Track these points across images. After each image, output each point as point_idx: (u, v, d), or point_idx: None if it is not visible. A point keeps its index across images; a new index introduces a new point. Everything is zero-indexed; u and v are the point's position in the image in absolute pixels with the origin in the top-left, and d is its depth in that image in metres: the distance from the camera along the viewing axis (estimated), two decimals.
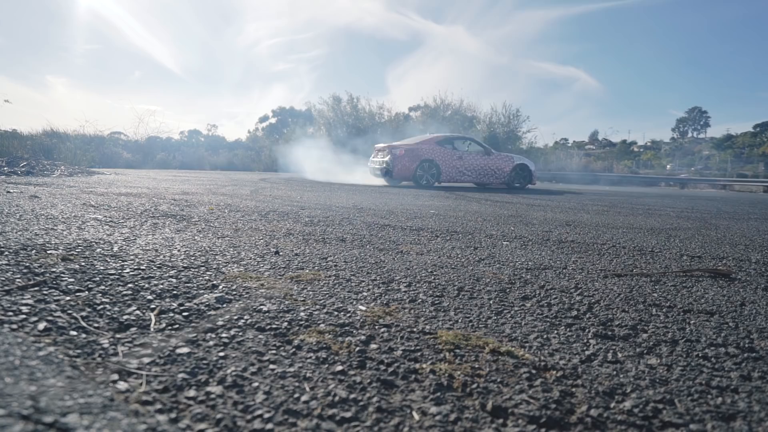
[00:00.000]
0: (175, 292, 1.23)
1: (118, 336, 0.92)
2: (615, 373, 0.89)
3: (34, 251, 1.55)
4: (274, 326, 1.02)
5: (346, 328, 1.04)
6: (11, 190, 3.97)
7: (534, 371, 0.87)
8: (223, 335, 0.95)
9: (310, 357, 0.88)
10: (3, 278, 1.21)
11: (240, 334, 0.97)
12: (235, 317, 1.06)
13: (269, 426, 0.65)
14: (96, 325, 0.97)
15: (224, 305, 1.14)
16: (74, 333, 0.91)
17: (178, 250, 1.76)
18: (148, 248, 1.76)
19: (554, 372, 0.87)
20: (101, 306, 1.07)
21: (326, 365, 0.85)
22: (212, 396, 0.71)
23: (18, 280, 1.21)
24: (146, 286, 1.26)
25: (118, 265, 1.45)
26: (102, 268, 1.40)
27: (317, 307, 1.17)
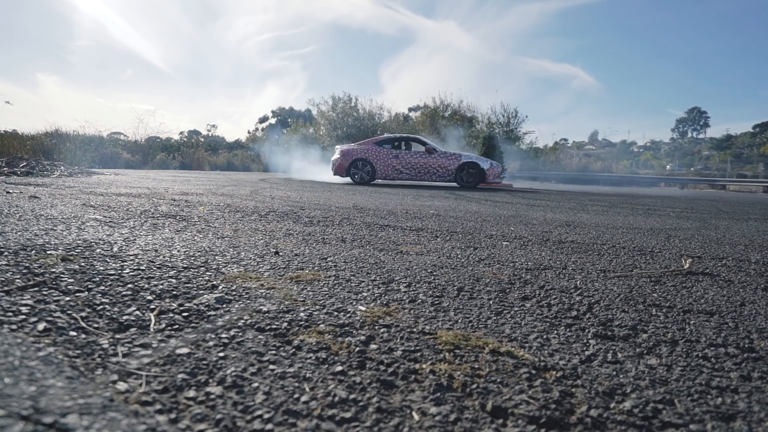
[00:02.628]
0: (174, 292, 1.22)
1: (117, 336, 0.92)
2: (615, 373, 0.88)
3: (33, 252, 1.55)
4: (273, 326, 1.02)
5: (346, 328, 1.04)
6: (11, 191, 3.96)
7: (534, 371, 0.87)
8: (223, 335, 0.95)
9: (310, 357, 0.88)
10: (3, 278, 1.21)
11: (240, 334, 0.97)
12: (235, 317, 1.06)
13: (269, 426, 0.65)
14: (96, 325, 0.96)
15: (224, 305, 1.14)
16: (74, 333, 0.91)
17: (178, 251, 1.76)
18: (147, 249, 1.76)
19: (554, 372, 0.87)
20: (101, 306, 1.07)
21: (326, 365, 0.85)
22: (212, 396, 0.71)
23: (18, 280, 1.21)
24: (146, 286, 1.26)
25: (117, 265, 1.45)
26: (102, 268, 1.40)
27: (317, 307, 1.17)
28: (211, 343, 0.91)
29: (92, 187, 5.07)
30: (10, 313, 0.97)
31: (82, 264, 1.43)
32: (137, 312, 1.05)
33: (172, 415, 0.66)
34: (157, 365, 0.80)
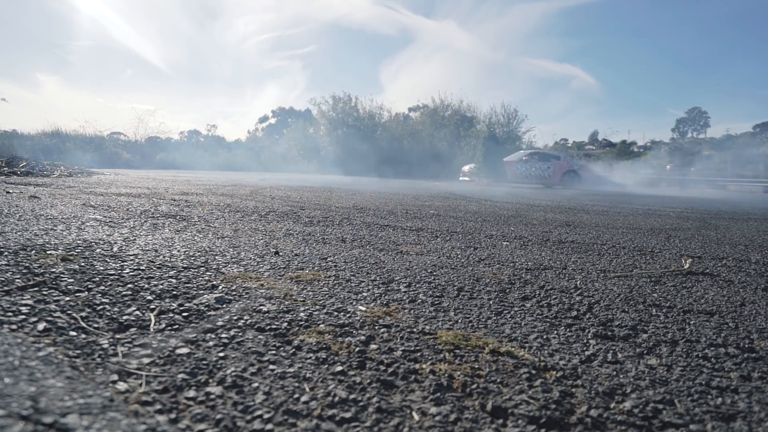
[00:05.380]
0: (174, 292, 1.22)
1: (117, 336, 0.92)
2: (615, 373, 0.88)
3: (33, 251, 1.55)
4: (273, 326, 1.02)
5: (346, 328, 1.04)
6: (11, 191, 3.96)
7: (534, 371, 0.87)
8: (223, 335, 0.95)
9: (310, 357, 0.88)
10: (3, 278, 1.21)
11: (240, 334, 0.97)
12: (235, 317, 1.06)
13: (269, 426, 0.65)
14: (96, 325, 0.96)
15: (224, 305, 1.14)
16: (74, 333, 0.91)
17: (178, 251, 1.76)
18: (147, 248, 1.76)
19: (554, 372, 0.87)
20: (101, 306, 1.07)
21: (326, 365, 0.85)
22: (212, 396, 0.71)
23: (18, 280, 1.21)
24: (146, 286, 1.26)
25: (117, 265, 1.45)
26: (102, 268, 1.40)
27: (317, 307, 1.17)
28: (211, 343, 0.91)
29: (92, 187, 5.07)
30: (10, 313, 0.97)
31: (82, 264, 1.43)
32: (137, 312, 1.05)
33: (172, 415, 0.66)
34: (157, 365, 0.80)
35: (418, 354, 0.92)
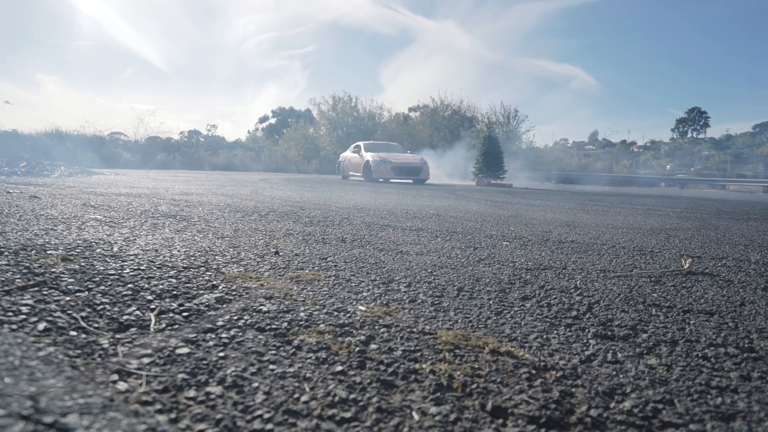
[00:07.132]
0: (175, 292, 1.23)
1: (117, 336, 0.92)
2: (615, 373, 0.89)
3: (34, 251, 1.55)
4: (273, 326, 1.02)
5: (346, 328, 1.04)
6: (11, 191, 3.96)
7: (534, 371, 0.87)
8: (223, 335, 0.95)
9: (310, 357, 0.88)
10: (3, 278, 1.21)
11: (240, 334, 0.97)
12: (235, 317, 1.06)
13: (269, 426, 0.65)
14: (96, 325, 0.97)
15: (224, 305, 1.14)
16: (74, 333, 0.91)
17: (178, 251, 1.76)
18: (148, 248, 1.76)
19: (554, 372, 0.87)
20: (101, 306, 1.07)
21: (326, 365, 0.85)
22: (212, 396, 0.71)
23: (18, 280, 1.21)
24: (146, 286, 1.26)
25: (117, 265, 1.45)
26: (102, 268, 1.40)
27: (317, 307, 1.17)
28: (211, 343, 0.91)
29: (92, 187, 5.08)
30: (11, 313, 0.97)
31: (83, 264, 1.43)
32: (137, 312, 1.06)
33: (173, 415, 0.66)
34: (157, 365, 0.80)
35: (418, 354, 0.93)
